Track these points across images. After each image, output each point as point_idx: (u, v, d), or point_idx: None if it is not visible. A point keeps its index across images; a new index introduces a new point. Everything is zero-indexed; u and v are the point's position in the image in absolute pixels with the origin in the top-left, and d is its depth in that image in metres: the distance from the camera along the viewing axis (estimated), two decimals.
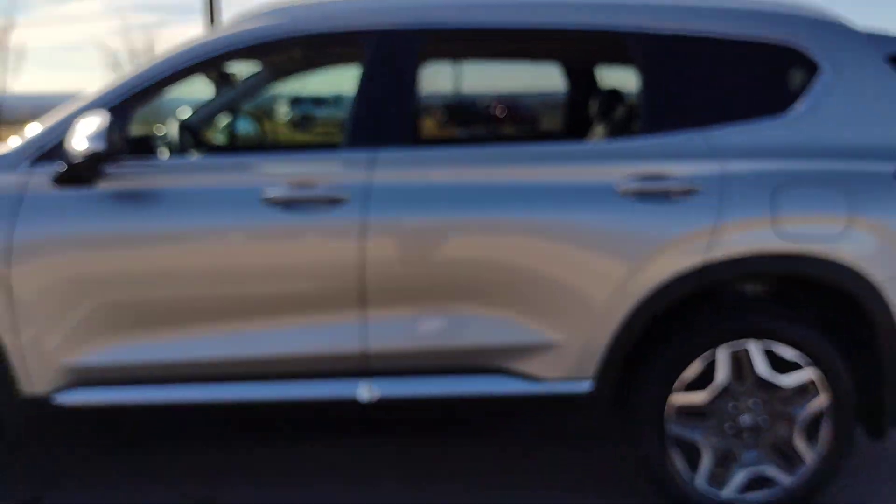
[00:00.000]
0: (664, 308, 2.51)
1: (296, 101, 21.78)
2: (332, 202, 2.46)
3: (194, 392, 2.55)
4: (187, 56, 2.60)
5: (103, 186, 2.47)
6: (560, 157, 2.62)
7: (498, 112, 17.08)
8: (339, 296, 2.49)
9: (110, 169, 2.47)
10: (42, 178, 2.48)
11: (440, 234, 2.49)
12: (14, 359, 2.48)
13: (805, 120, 2.60)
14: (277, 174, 2.54)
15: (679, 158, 2.53)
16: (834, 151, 2.57)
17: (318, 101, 23.96)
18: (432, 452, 3.12)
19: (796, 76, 2.66)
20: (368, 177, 2.49)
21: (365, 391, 2.54)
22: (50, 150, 2.51)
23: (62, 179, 2.45)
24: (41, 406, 2.52)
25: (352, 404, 2.54)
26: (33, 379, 2.51)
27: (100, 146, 2.30)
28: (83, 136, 2.32)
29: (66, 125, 2.51)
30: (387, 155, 2.52)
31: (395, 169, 2.51)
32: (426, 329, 2.52)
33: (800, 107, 2.61)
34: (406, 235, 2.49)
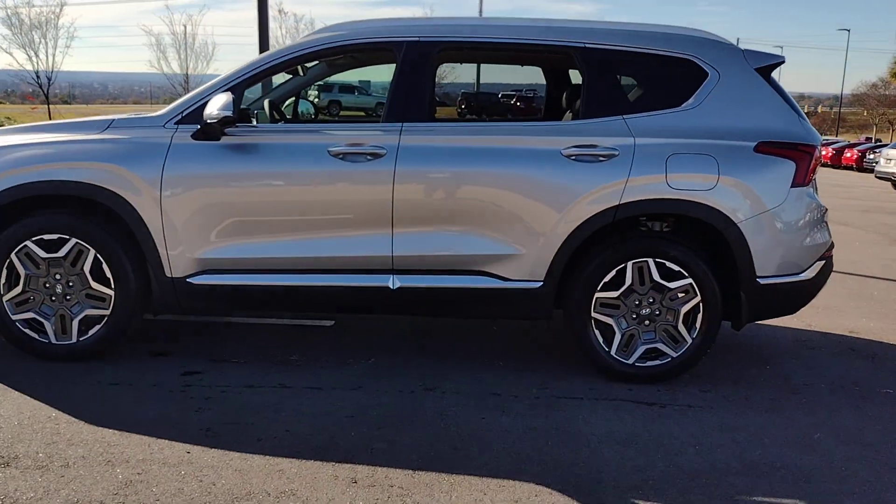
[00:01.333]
0: (591, 234, 3.77)
1: (323, 89, 24.40)
2: (375, 156, 3.74)
3: (278, 279, 3.83)
4: (279, 55, 3.90)
5: (223, 141, 3.77)
6: (524, 131, 3.90)
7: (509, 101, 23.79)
8: (376, 218, 3.77)
9: (228, 130, 3.76)
10: (183, 133, 3.78)
11: (442, 179, 3.76)
12: (162, 253, 3.79)
13: (693, 111, 3.85)
14: (338, 136, 3.83)
15: (606, 135, 3.78)
16: (712, 133, 3.80)
17: (345, 88, 27.19)
18: (437, 327, 4.42)
19: (690, 80, 3.90)
20: (398, 140, 3.76)
21: (392, 282, 3.82)
22: (188, 114, 3.80)
23: (198, 135, 3.75)
24: (179, 285, 3.82)
25: (384, 290, 3.82)
26: (174, 267, 3.81)
27: (229, 113, 3.60)
28: (217, 107, 3.62)
29: (199, 98, 3.80)
30: (409, 126, 3.80)
31: (414, 135, 3.78)
32: (431, 242, 3.79)
33: (690, 102, 3.86)
34: (420, 180, 3.76)
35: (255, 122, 4.24)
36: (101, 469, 2.80)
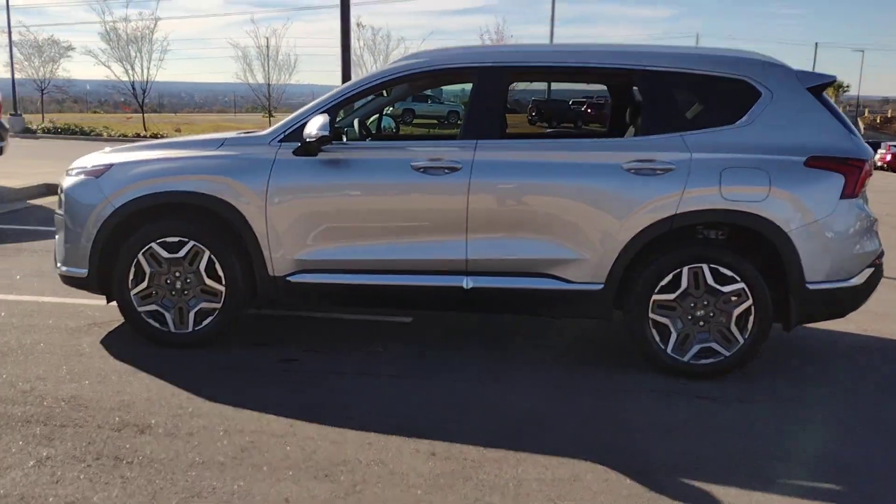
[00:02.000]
0: (650, 240, 4.11)
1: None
2: (452, 170, 4.18)
3: (365, 278, 4.32)
4: (369, 81, 4.40)
5: (320, 157, 4.28)
6: (588, 146, 4.29)
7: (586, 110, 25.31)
8: (452, 226, 4.21)
9: (323, 147, 4.27)
10: (286, 150, 4.30)
11: (513, 191, 4.18)
12: (266, 255, 4.32)
13: (746, 128, 4.15)
14: (419, 152, 4.29)
15: (664, 150, 4.13)
16: (764, 148, 4.10)
17: (418, 97, 28.32)
18: (502, 324, 4.84)
19: (744, 99, 4.21)
20: (473, 155, 4.20)
21: (467, 282, 4.25)
22: (290, 133, 4.33)
23: (298, 152, 4.27)
24: (281, 283, 4.35)
25: (459, 289, 4.25)
26: (276, 266, 4.34)
27: (326, 133, 4.10)
28: (315, 127, 4.13)
29: (299, 119, 4.32)
30: (483, 142, 4.23)
31: (488, 151, 4.21)
32: (502, 247, 4.21)
33: (744, 119, 4.16)
34: (492, 191, 4.18)
35: (345, 140, 4.74)
36: (221, 437, 3.32)
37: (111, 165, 4.46)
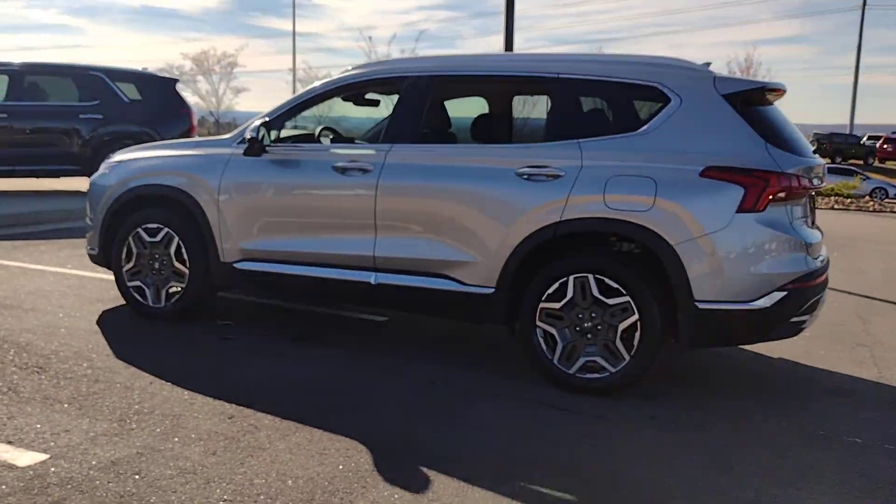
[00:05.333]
0: (536, 247, 4.08)
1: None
2: (364, 171, 4.48)
3: (295, 269, 4.73)
4: (314, 91, 4.83)
5: (265, 157, 4.78)
6: (489, 152, 4.36)
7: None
8: (363, 224, 4.49)
9: (269, 149, 4.77)
10: (239, 150, 4.87)
11: (415, 193, 4.37)
12: (218, 243, 4.90)
13: (648, 135, 3.99)
14: (342, 154, 4.64)
15: (558, 157, 4.09)
16: (660, 157, 3.91)
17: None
18: (405, 321, 4.98)
19: (652, 106, 4.04)
20: (384, 158, 4.46)
21: (374, 279, 4.50)
22: (250, 138, 4.89)
23: (247, 152, 4.81)
24: (229, 269, 4.91)
25: (368, 285, 4.51)
26: (226, 254, 4.90)
27: (255, 135, 4.61)
28: (249, 130, 4.66)
29: (249, 124, 4.87)
30: (397, 146, 4.47)
31: (399, 154, 4.45)
32: (405, 247, 4.41)
33: (647, 126, 3.99)
34: (396, 192, 4.40)
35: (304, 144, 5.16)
36: (90, 382, 3.92)
37: (120, 162, 5.34)
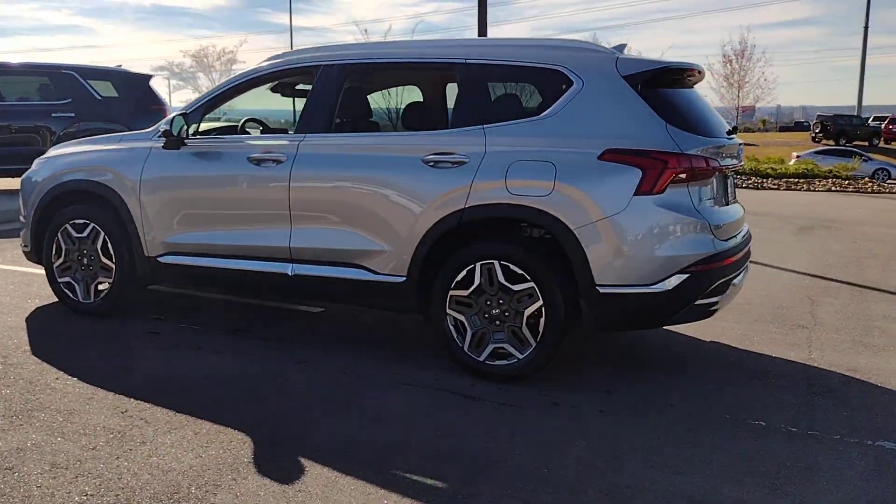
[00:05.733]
0: (443, 234, 4.03)
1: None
2: (278, 162, 4.44)
3: (216, 262, 4.71)
4: (231, 82, 4.80)
5: (183, 150, 4.76)
6: (397, 140, 4.32)
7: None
8: (278, 215, 4.46)
9: (188, 141, 4.74)
10: (159, 144, 4.84)
11: (326, 182, 4.33)
12: (141, 237, 4.89)
13: (550, 119, 3.93)
14: (257, 145, 4.61)
15: (464, 143, 4.04)
16: (561, 141, 3.85)
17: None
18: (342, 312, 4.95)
19: (555, 89, 3.97)
20: (297, 149, 4.42)
21: (291, 269, 4.48)
22: (164, 130, 4.86)
23: (165, 146, 4.79)
24: (154, 263, 4.89)
25: (285, 276, 4.49)
26: (149, 248, 4.89)
27: (167, 128, 4.59)
28: (164, 123, 4.63)
29: (170, 118, 4.85)
30: (310, 136, 4.43)
31: (312, 145, 4.41)
32: (319, 237, 4.37)
33: (550, 110, 3.94)
34: (308, 182, 4.37)
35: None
36: None
37: (49, 158, 5.33)
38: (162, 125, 4.81)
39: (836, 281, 6.82)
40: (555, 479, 2.97)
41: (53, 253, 5.20)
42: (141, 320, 5.09)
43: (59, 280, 5.21)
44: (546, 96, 4.01)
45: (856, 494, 2.91)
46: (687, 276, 3.74)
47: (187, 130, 4.71)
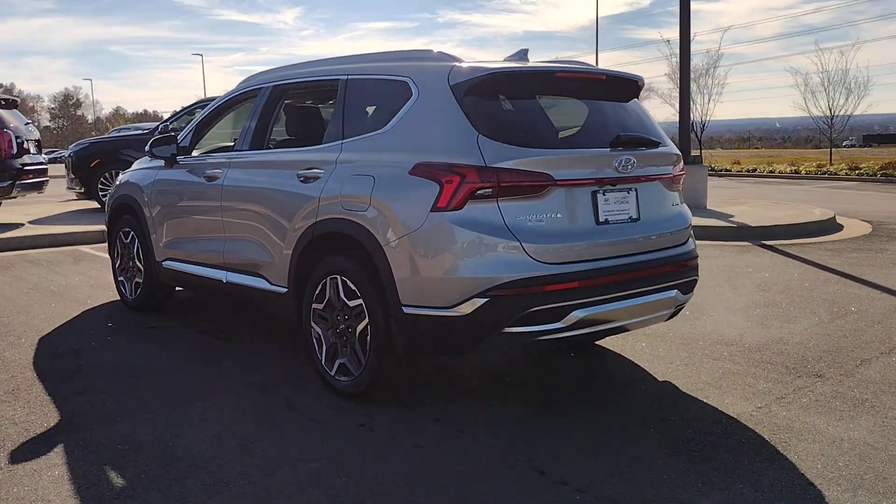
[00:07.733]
0: (304, 248, 4.12)
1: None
2: (215, 179, 4.90)
3: (189, 268, 5.28)
4: (210, 108, 5.37)
5: (174, 168, 5.44)
6: (286, 155, 4.50)
7: None
8: (216, 226, 4.90)
9: (179, 159, 5.42)
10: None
11: (238, 197, 4.68)
12: (153, 243, 5.67)
13: (388, 132, 3.84)
14: (211, 163, 5.10)
15: (323, 158, 4.11)
16: (389, 155, 3.74)
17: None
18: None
19: (399, 101, 3.86)
20: (228, 166, 4.83)
21: (225, 277, 4.89)
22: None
23: (165, 165, 5.52)
24: (160, 266, 5.64)
25: (221, 283, 4.92)
26: (157, 253, 5.65)
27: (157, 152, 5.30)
28: (153, 146, 5.35)
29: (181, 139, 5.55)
30: (240, 153, 4.82)
31: (238, 162, 4.78)
32: (237, 247, 4.73)
33: (391, 123, 3.85)
34: (230, 197, 4.74)
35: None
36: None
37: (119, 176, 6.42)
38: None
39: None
40: (288, 491, 2.97)
41: (115, 255, 6.24)
42: (143, 318, 5.88)
43: (118, 278, 6.23)
44: (392, 109, 3.90)
45: None
46: (486, 300, 3.38)
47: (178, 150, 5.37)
